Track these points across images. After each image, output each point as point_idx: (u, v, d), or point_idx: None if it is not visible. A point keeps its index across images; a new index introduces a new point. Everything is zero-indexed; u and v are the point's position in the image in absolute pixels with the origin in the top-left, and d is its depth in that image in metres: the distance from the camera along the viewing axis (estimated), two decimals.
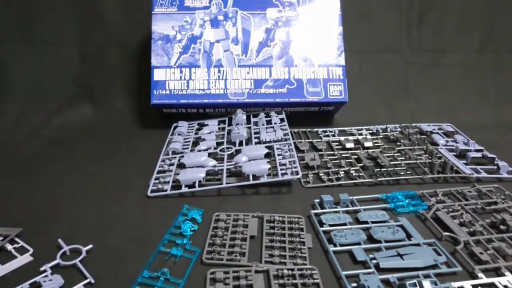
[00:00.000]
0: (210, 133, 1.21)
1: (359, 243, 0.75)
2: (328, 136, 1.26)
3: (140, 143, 1.23)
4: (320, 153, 1.13)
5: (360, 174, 1.01)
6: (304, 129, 1.29)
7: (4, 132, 1.29)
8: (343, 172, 1.01)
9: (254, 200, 0.91)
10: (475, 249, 0.73)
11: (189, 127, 1.28)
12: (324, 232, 0.78)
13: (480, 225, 0.80)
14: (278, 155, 1.02)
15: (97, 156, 1.13)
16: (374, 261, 0.69)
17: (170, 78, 1.26)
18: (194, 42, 1.28)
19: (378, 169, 1.03)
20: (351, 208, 0.87)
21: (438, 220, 0.82)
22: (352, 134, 1.27)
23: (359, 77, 1.52)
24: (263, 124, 1.21)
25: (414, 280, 0.62)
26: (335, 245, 0.74)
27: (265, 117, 1.26)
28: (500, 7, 1.54)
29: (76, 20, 1.46)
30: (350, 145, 1.17)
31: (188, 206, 0.87)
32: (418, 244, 0.74)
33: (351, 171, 1.02)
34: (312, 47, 1.30)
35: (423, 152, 1.13)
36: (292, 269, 0.67)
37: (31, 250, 0.73)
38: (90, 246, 0.73)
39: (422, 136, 1.24)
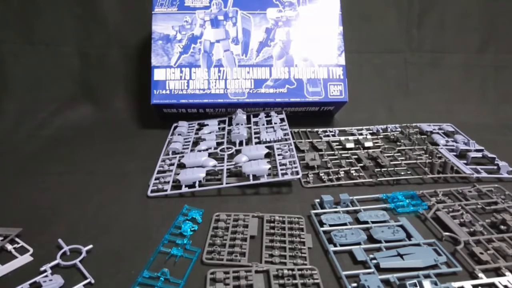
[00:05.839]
0: (210, 133, 1.21)
1: (359, 243, 0.75)
2: (328, 136, 1.26)
3: (140, 143, 1.23)
4: (320, 153, 1.13)
5: (360, 174, 1.01)
6: (304, 129, 1.29)
7: (4, 132, 1.29)
8: (343, 172, 1.01)
9: (254, 200, 0.91)
10: (475, 249, 0.73)
11: (189, 127, 1.28)
12: (324, 232, 0.78)
13: (480, 225, 0.80)
14: (278, 155, 1.02)
15: (97, 156, 1.13)
16: (374, 261, 0.69)
17: (170, 78, 1.26)
18: (194, 42, 1.28)
19: (378, 169, 1.03)
20: (351, 208, 0.87)
21: (438, 220, 0.82)
22: (352, 134, 1.27)
23: (359, 77, 1.52)
24: (263, 124, 1.21)
25: (414, 280, 0.62)
26: (335, 245, 0.74)
27: (265, 117, 1.26)
28: (500, 7, 1.54)
29: (76, 20, 1.46)
30: (350, 145, 1.17)
31: (188, 206, 0.87)
32: (418, 244, 0.74)
33: (351, 171, 1.02)
34: (312, 47, 1.30)
35: (423, 152, 1.13)
36: (292, 269, 0.67)
37: (31, 250, 0.73)
38: (90, 246, 0.73)
39: (422, 136, 1.24)
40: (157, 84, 1.26)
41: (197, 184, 0.94)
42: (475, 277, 0.67)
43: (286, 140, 1.10)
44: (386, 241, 0.75)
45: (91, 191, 0.95)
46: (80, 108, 1.45)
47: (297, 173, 0.93)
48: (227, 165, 1.00)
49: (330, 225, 0.80)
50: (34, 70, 1.46)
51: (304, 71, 1.29)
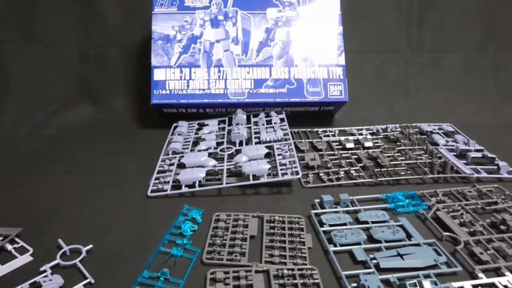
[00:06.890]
0: (210, 133, 1.21)
1: (359, 243, 0.75)
2: (328, 136, 1.26)
3: (140, 143, 1.23)
4: (320, 153, 1.12)
5: (360, 174, 1.01)
6: (304, 129, 1.29)
7: (4, 132, 1.29)
8: (343, 172, 1.01)
9: (254, 200, 0.91)
10: (475, 249, 0.73)
11: (189, 127, 1.28)
12: (324, 232, 0.78)
13: (480, 225, 0.80)
14: (278, 155, 1.02)
15: (97, 156, 1.13)
16: (374, 261, 0.69)
17: (170, 78, 1.26)
18: (194, 42, 1.28)
19: (378, 169, 1.03)
20: (351, 208, 0.87)
21: (438, 220, 0.82)
22: (352, 134, 1.27)
23: (359, 77, 1.52)
24: (263, 124, 1.21)
25: (414, 280, 0.62)
26: (335, 245, 0.74)
27: (265, 117, 1.26)
28: (500, 7, 1.54)
29: (76, 20, 1.46)
30: (350, 145, 1.17)
31: (188, 206, 0.87)
32: (418, 244, 0.74)
33: (351, 171, 1.02)
34: (312, 47, 1.30)
35: (423, 152, 1.13)
36: (292, 269, 0.67)
37: (31, 250, 0.73)
38: (90, 246, 0.73)
39: (422, 136, 1.24)
40: (157, 84, 1.26)
41: (197, 184, 0.94)
42: (475, 277, 0.67)
43: (286, 140, 1.10)
44: (386, 241, 0.75)
45: (91, 191, 0.95)
46: (80, 108, 1.45)
47: (297, 173, 0.93)
48: (227, 165, 1.00)
49: (330, 225, 0.80)
50: (34, 70, 1.45)
51: (304, 71, 1.29)
